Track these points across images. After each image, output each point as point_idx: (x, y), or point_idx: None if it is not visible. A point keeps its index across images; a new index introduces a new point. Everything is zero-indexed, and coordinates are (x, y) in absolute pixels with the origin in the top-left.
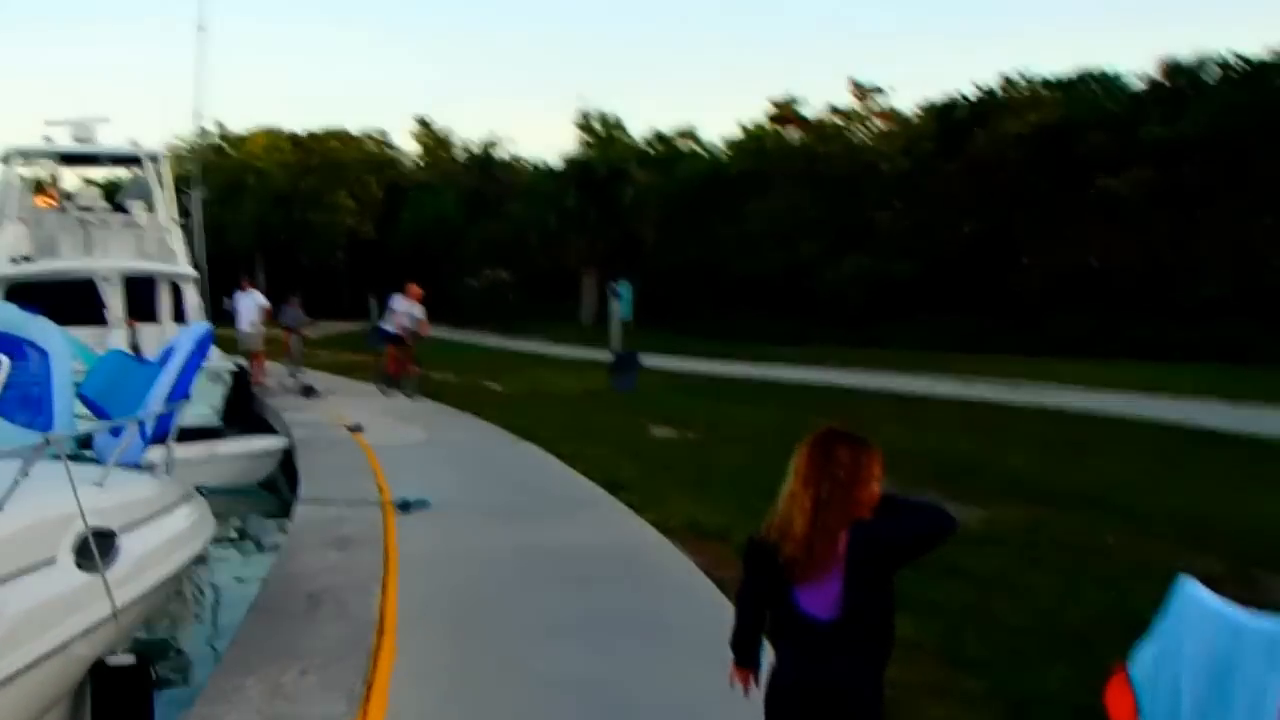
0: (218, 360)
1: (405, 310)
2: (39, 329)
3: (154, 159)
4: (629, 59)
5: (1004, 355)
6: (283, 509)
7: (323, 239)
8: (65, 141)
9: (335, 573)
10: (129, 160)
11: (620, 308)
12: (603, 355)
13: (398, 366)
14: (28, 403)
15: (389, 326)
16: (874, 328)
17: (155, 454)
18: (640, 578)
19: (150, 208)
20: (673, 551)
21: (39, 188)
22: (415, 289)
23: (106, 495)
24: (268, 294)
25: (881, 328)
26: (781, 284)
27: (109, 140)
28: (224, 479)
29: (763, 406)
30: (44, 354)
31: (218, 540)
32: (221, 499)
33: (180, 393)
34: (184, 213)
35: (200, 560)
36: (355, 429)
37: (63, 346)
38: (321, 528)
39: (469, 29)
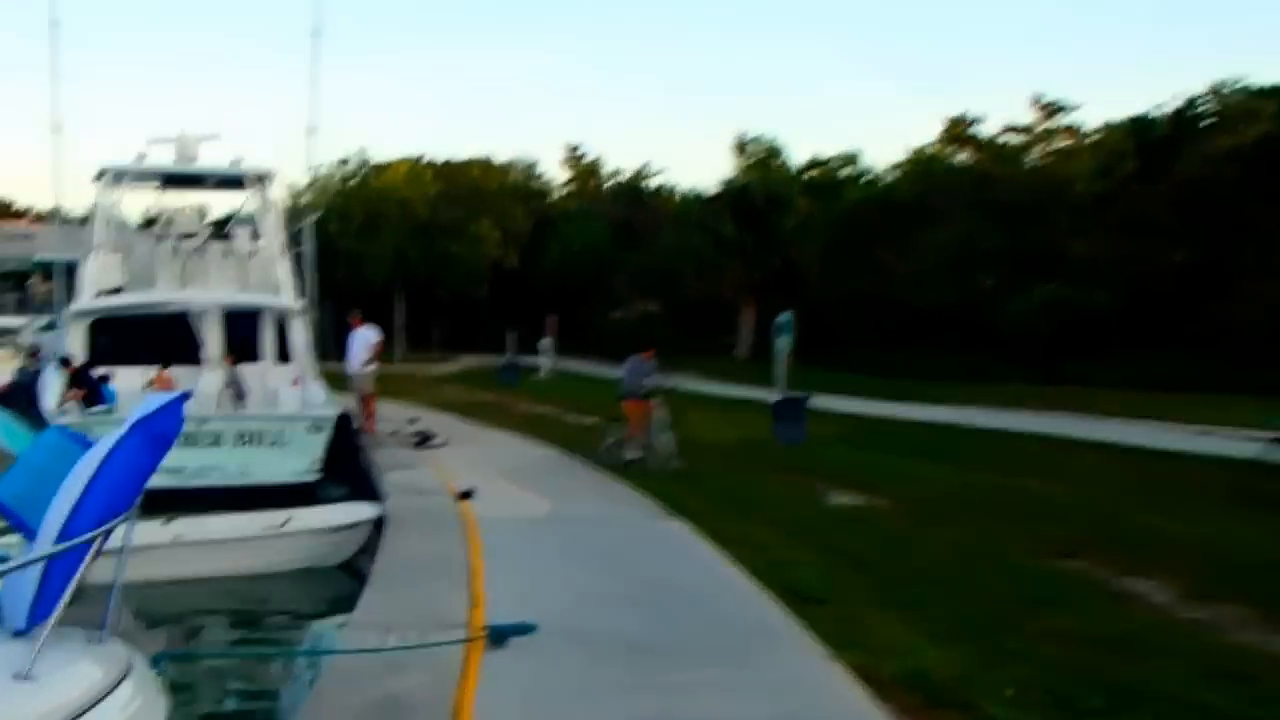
0: (321, 404)
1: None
2: None
3: (261, 180)
4: (786, 84)
5: (1223, 396)
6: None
7: (464, 270)
8: (166, 161)
9: None
10: (233, 182)
11: (784, 344)
12: (762, 394)
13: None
14: None
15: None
16: (1065, 364)
17: None
18: None
19: (256, 235)
20: None
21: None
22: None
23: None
24: (407, 327)
25: (1074, 365)
26: (955, 317)
27: (216, 161)
28: (296, 559)
29: (960, 462)
30: None
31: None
32: (283, 584)
33: (118, 502)
34: (297, 240)
35: None
36: (465, 495)
37: None
38: (367, 680)
39: (619, 55)
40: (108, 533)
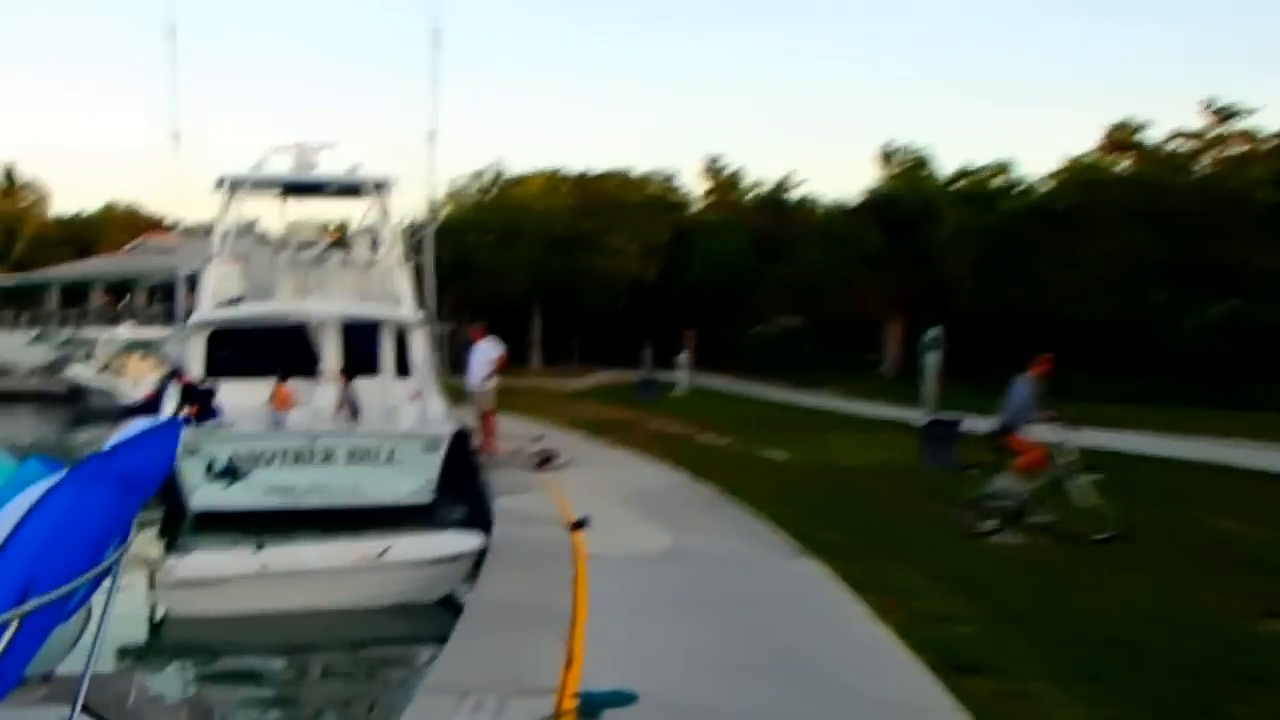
0: (439, 421)
1: None
2: None
3: (379, 188)
4: (933, 92)
5: None
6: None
7: (602, 284)
8: (285, 169)
9: None
10: (352, 190)
11: (933, 361)
12: (909, 415)
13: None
14: None
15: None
16: (1246, 386)
17: None
18: None
19: (375, 245)
20: None
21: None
22: None
23: None
24: (544, 341)
25: (1257, 387)
26: (1119, 334)
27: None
28: (392, 593)
29: (1135, 496)
30: None
31: None
32: (375, 622)
33: (68, 561)
34: (418, 250)
35: None
36: (578, 525)
37: None
38: None
39: (760, 65)
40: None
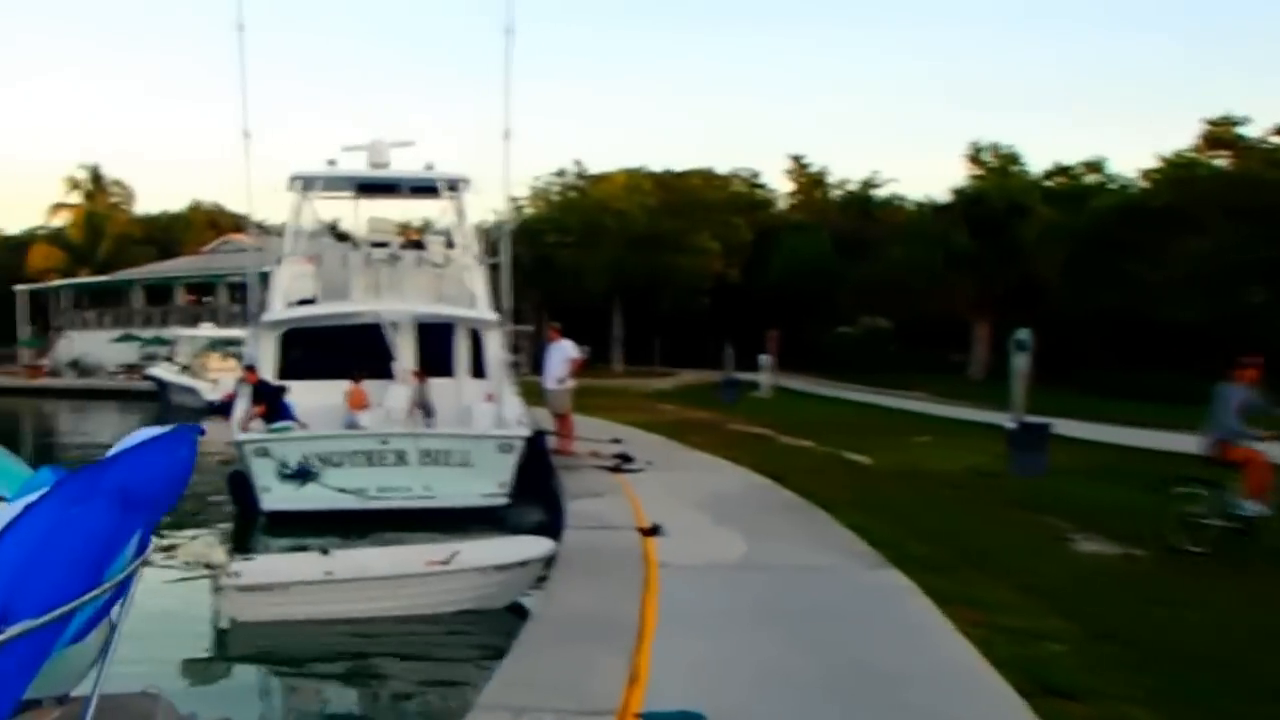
0: (514, 422)
1: None
2: None
3: (454, 187)
4: (1023, 89)
5: None
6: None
7: (684, 283)
8: (358, 167)
9: None
10: (426, 189)
11: (1022, 363)
12: (996, 418)
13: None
14: None
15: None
16: None
17: None
18: None
19: (450, 244)
20: None
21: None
22: None
23: None
24: (626, 341)
25: None
26: (1217, 335)
27: (409, 167)
28: (459, 600)
29: None
30: None
31: None
32: (439, 629)
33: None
34: (494, 250)
35: None
36: (651, 531)
37: None
38: None
39: (845, 63)
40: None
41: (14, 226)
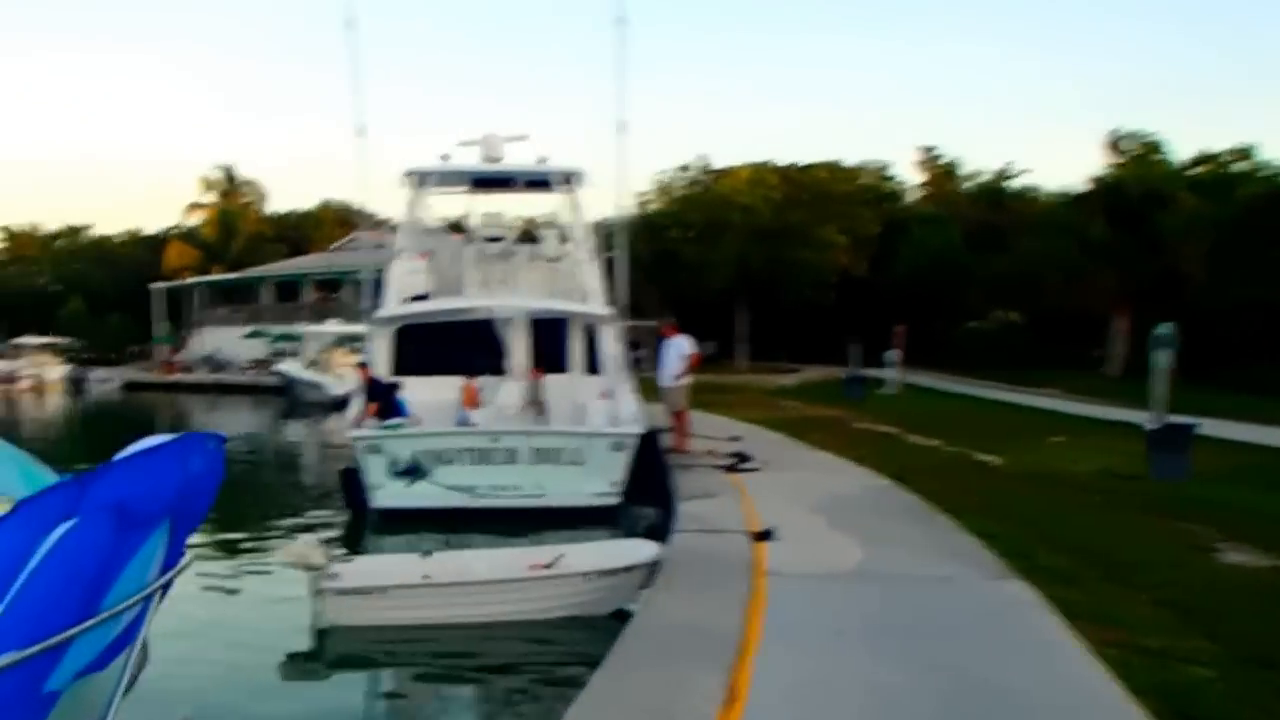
0: (627, 420)
1: None
2: None
3: (569, 180)
4: (1165, 75)
5: None
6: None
7: (810, 278)
8: (472, 162)
9: None
10: (540, 183)
11: (1164, 359)
12: (1134, 416)
13: None
14: None
15: None
16: None
17: None
18: None
19: (564, 238)
20: None
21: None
22: None
23: None
24: (750, 336)
25: None
26: None
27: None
28: (561, 605)
29: None
30: None
31: None
32: (538, 636)
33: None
34: (609, 244)
35: None
36: (762, 536)
37: None
38: None
39: (978, 52)
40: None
41: (152, 226)
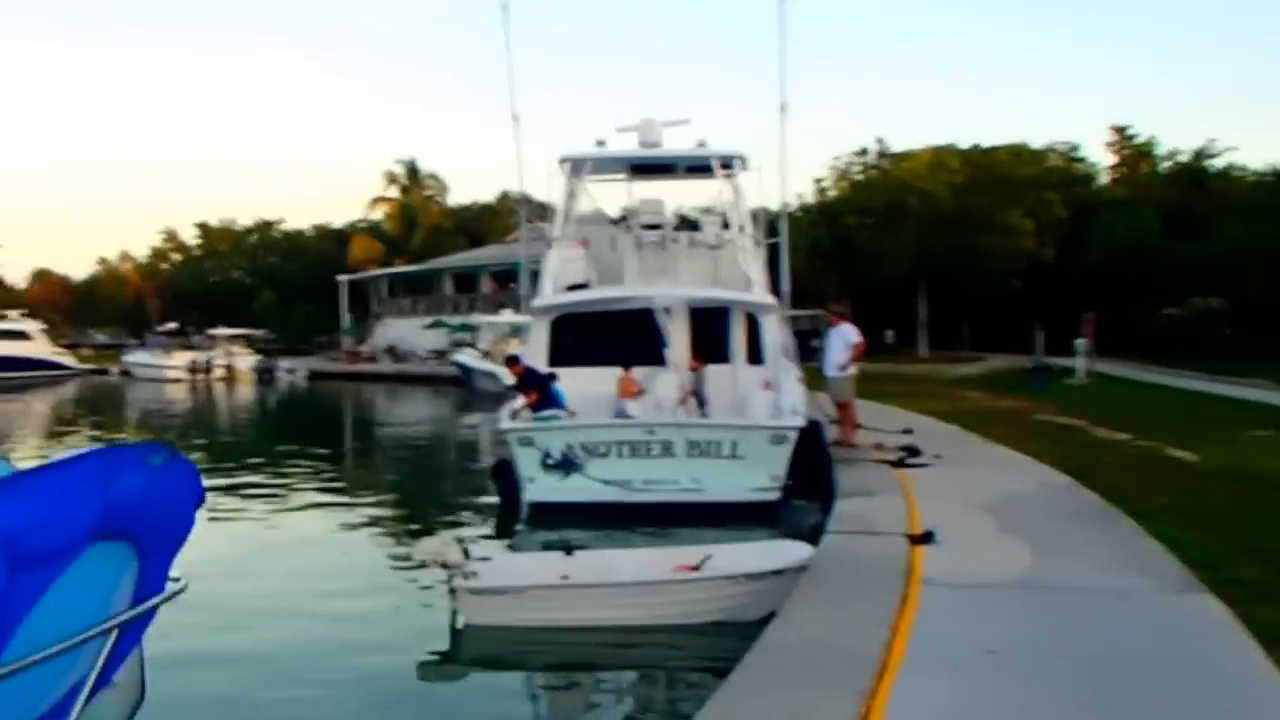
0: (789, 412)
1: None
2: None
3: (728, 165)
4: None
5: None
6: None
7: (993, 264)
8: (630, 147)
9: None
10: (701, 168)
11: None
12: None
13: None
14: None
15: None
16: None
17: None
18: None
19: (725, 225)
20: None
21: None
22: None
23: None
24: (930, 324)
25: None
26: None
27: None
28: (707, 610)
29: None
30: None
31: None
32: (675, 643)
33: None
34: (772, 230)
35: None
36: (921, 539)
37: None
38: None
39: (1174, 31)
40: None
41: (338, 220)
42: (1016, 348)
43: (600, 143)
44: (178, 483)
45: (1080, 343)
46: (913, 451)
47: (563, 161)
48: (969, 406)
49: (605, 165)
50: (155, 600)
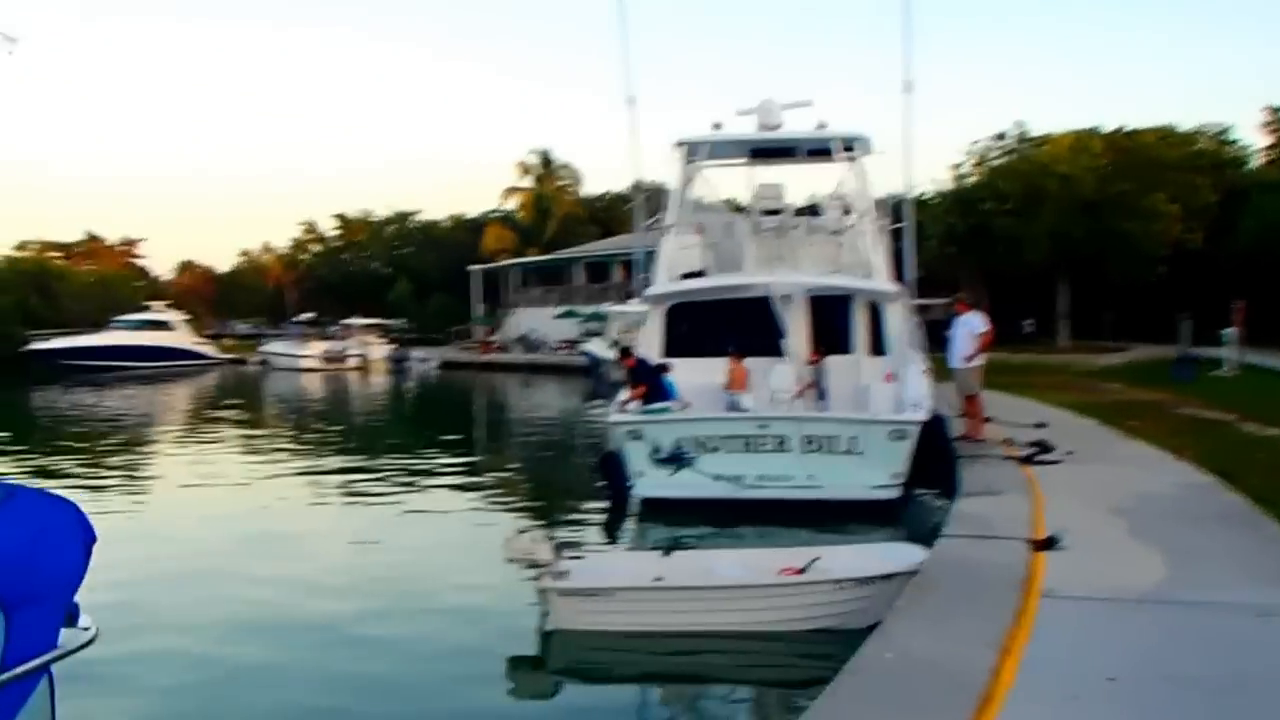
0: (912, 406)
1: None
2: None
3: (849, 147)
4: None
5: None
6: None
7: (1137, 251)
8: (747, 130)
9: None
10: (822, 152)
11: None
12: None
13: None
14: None
15: None
16: None
17: None
18: None
19: (847, 210)
20: None
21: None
22: None
23: None
24: (1071, 313)
25: None
26: None
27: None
28: (811, 616)
29: None
30: None
31: None
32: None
33: None
34: (897, 216)
35: None
36: (1044, 544)
37: None
38: None
39: None
40: None
41: (473, 210)
42: (1161, 338)
43: (717, 126)
44: (34, 524)
45: (1229, 332)
46: (1044, 447)
47: (677, 145)
48: (1108, 399)
49: (722, 149)
50: (34, 662)
